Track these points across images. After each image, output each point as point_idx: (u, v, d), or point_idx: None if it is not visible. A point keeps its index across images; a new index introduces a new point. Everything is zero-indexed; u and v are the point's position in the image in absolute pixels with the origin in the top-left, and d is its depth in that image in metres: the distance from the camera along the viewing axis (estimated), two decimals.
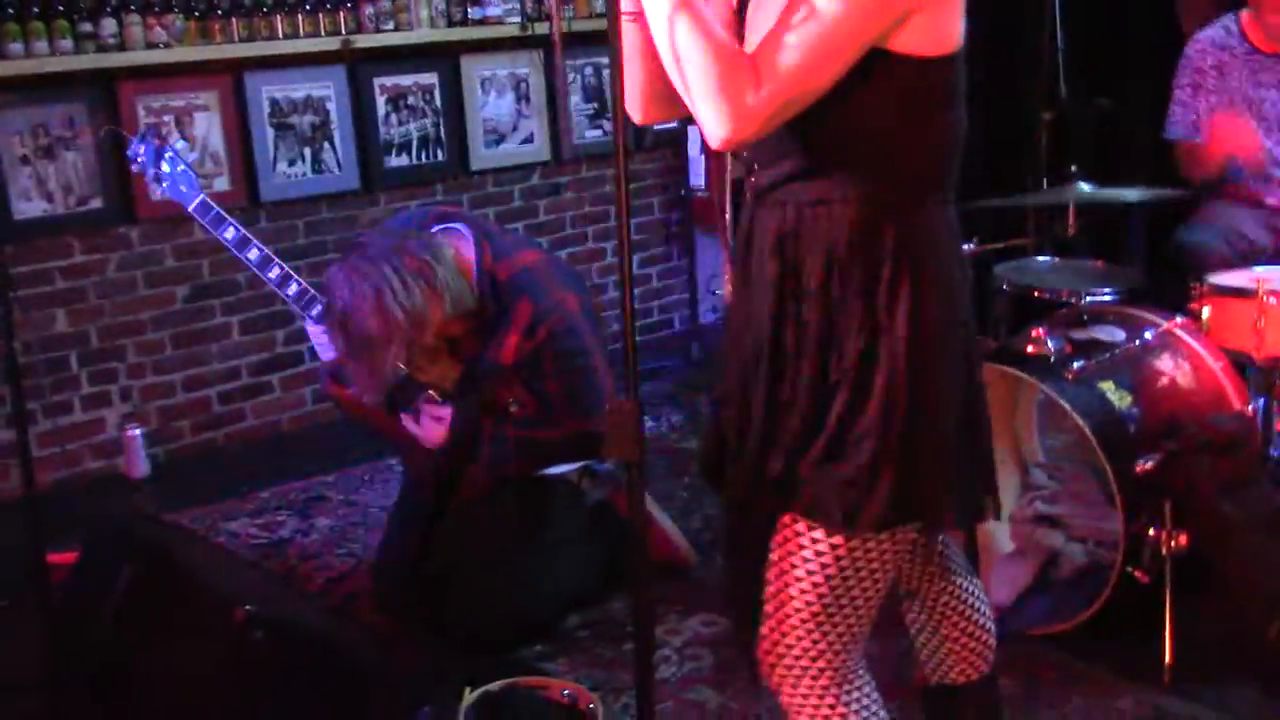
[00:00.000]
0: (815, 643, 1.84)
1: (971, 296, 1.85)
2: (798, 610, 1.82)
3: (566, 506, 3.20)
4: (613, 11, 1.64)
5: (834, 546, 1.78)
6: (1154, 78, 3.74)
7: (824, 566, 1.79)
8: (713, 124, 1.61)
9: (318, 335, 3.09)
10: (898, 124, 1.69)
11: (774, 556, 1.84)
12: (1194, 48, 3.59)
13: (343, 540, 3.72)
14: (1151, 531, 2.73)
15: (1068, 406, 2.77)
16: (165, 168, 3.15)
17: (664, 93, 1.76)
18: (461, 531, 3.14)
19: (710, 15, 1.63)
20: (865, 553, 1.79)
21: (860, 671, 1.90)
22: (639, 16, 1.72)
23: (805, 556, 1.80)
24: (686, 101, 1.64)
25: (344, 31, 4.53)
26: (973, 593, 2.13)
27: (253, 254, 3.13)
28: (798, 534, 1.80)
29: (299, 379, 4.73)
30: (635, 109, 1.87)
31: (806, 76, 1.60)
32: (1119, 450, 2.76)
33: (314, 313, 3.10)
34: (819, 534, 1.78)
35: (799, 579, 1.81)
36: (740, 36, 1.78)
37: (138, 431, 4.28)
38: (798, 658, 1.85)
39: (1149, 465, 2.74)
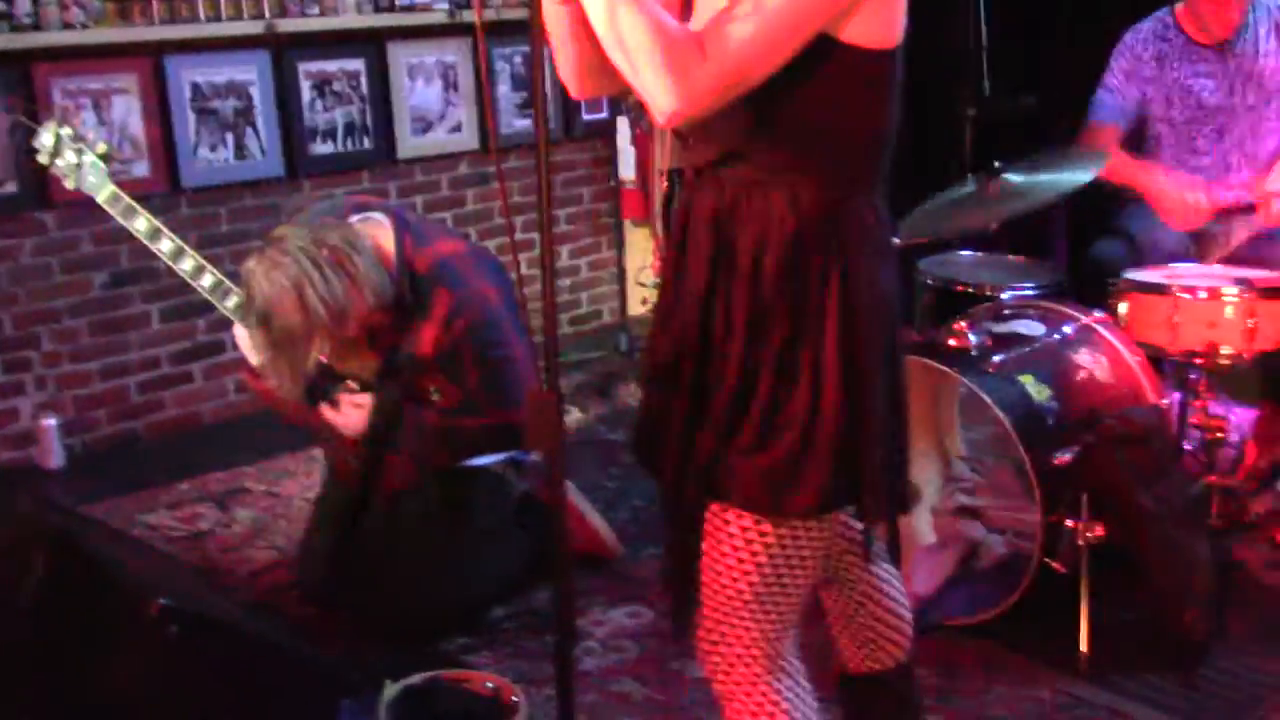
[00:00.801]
0: (748, 630, 1.85)
1: (898, 287, 1.87)
2: (730, 599, 1.84)
3: (491, 497, 3.18)
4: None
5: (763, 534, 1.79)
6: (1078, 75, 3.78)
7: (754, 554, 1.80)
8: (661, 100, 1.60)
9: (244, 340, 3.02)
10: (839, 113, 1.71)
11: (706, 545, 1.85)
12: (1134, 36, 3.63)
13: (264, 532, 3.66)
14: (1069, 522, 2.77)
15: (988, 399, 2.80)
16: (72, 158, 3.06)
17: (600, 67, 1.74)
18: (385, 523, 3.12)
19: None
20: (794, 540, 1.80)
21: (791, 659, 1.92)
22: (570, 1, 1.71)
23: (736, 545, 1.80)
24: (631, 80, 1.63)
25: (268, 15, 4.46)
26: (890, 580, 2.15)
27: (165, 246, 3.05)
28: (727, 522, 1.80)
29: (220, 368, 4.66)
30: (572, 84, 1.86)
31: (755, 56, 1.60)
32: (1038, 442, 2.79)
33: (229, 304, 3.04)
34: (748, 522, 1.79)
35: (730, 567, 1.82)
36: (688, 14, 1.78)
37: (52, 421, 4.19)
38: (730, 645, 1.86)
39: (1066, 457, 2.78)
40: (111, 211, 3.07)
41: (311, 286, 2.73)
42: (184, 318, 4.53)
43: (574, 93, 1.89)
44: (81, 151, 3.05)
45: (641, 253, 5.53)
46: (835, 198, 1.73)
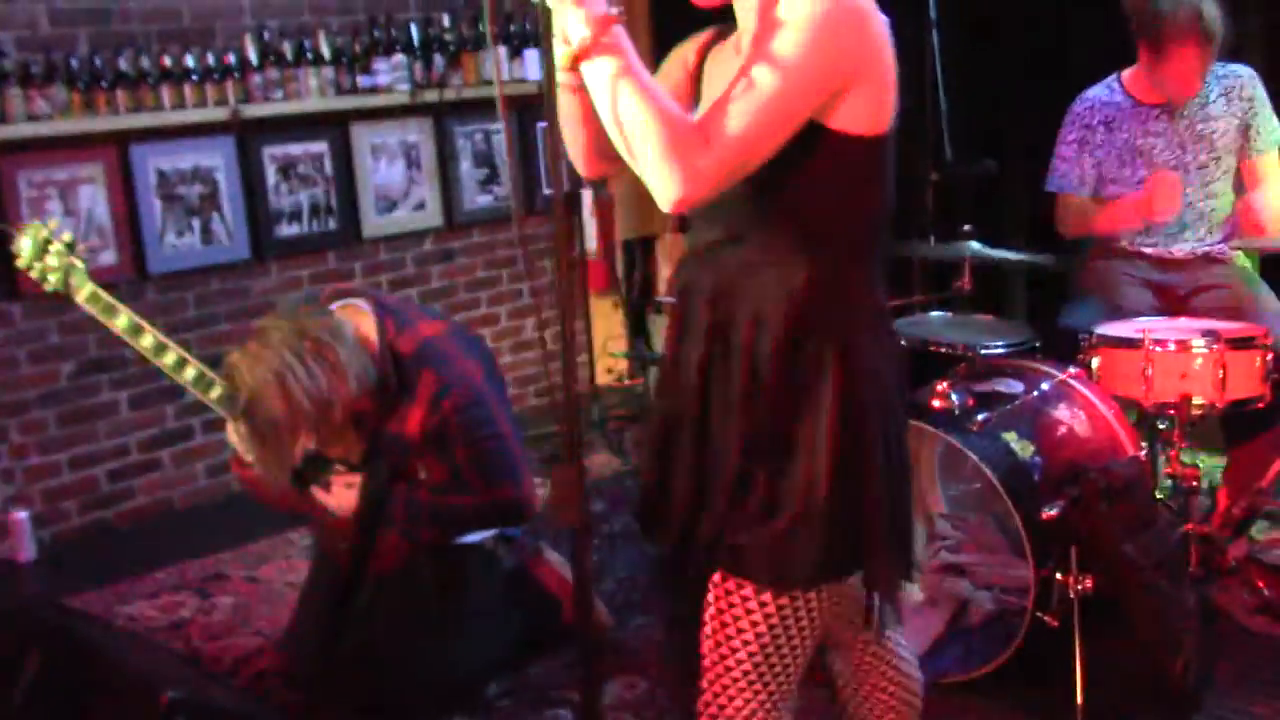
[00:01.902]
0: (748, 701, 1.87)
1: (896, 354, 1.91)
2: (730, 669, 1.85)
3: (482, 574, 3.18)
4: (549, 81, 1.68)
5: (764, 605, 1.82)
6: (1036, 139, 3.88)
7: (755, 625, 1.82)
8: (665, 187, 1.65)
9: (234, 433, 2.99)
10: (832, 197, 1.76)
11: (708, 615, 1.87)
12: (1081, 105, 3.73)
13: (247, 618, 3.62)
14: (1059, 576, 2.81)
15: (975, 458, 2.85)
16: (53, 261, 3.02)
17: (608, 150, 1.80)
18: (377, 603, 3.10)
19: (652, 81, 1.68)
20: (795, 610, 1.83)
21: None
22: (577, 89, 1.76)
23: (737, 615, 1.83)
24: (634, 165, 1.68)
25: (232, 101, 4.48)
26: (898, 643, 2.18)
27: (147, 341, 3.00)
28: (728, 593, 1.83)
29: (191, 454, 4.62)
30: (581, 165, 1.91)
31: (753, 141, 1.65)
32: (1025, 498, 2.84)
33: (213, 396, 2.99)
34: (749, 592, 1.81)
35: (730, 637, 1.84)
36: (696, 100, 1.83)
37: (24, 515, 4.13)
38: (731, 716, 1.87)
39: (1054, 512, 2.83)
40: (92, 311, 3.01)
41: (295, 378, 2.73)
42: (153, 404, 4.50)
43: (583, 173, 1.94)
44: (61, 254, 3.00)
45: (607, 323, 5.57)
46: (830, 276, 1.78)
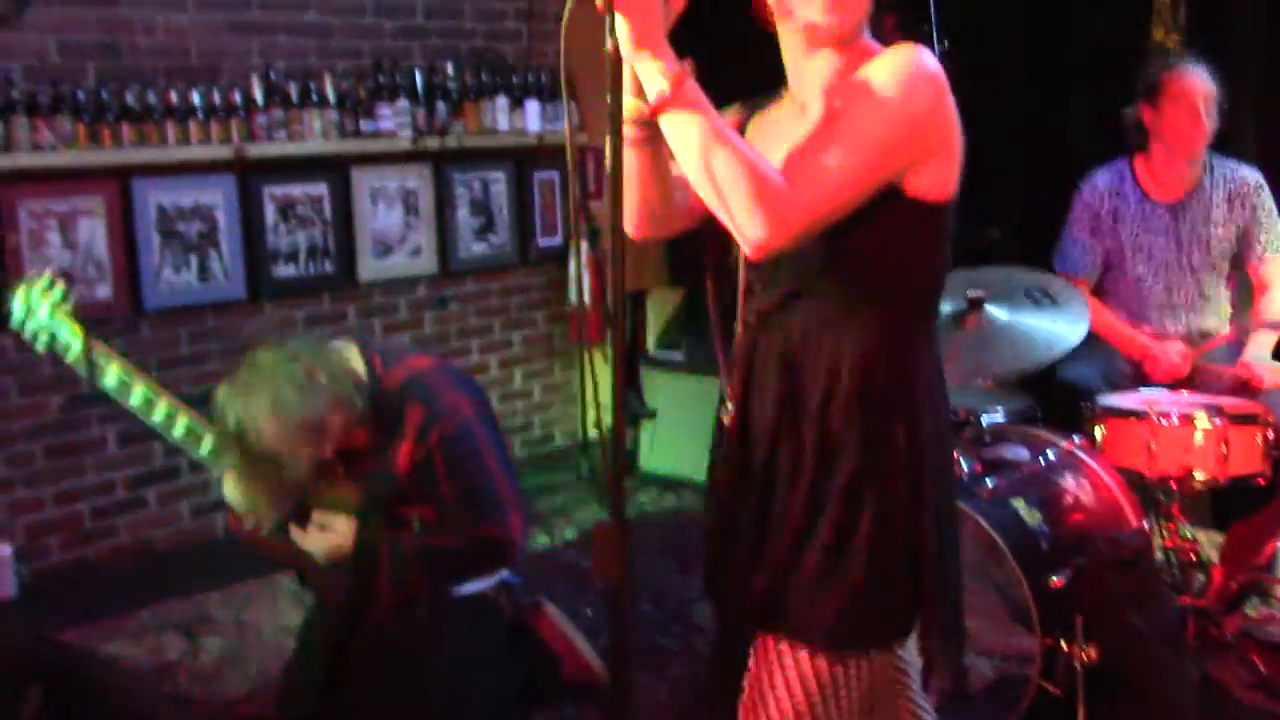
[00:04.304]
0: None
1: (950, 421, 1.93)
2: None
3: (481, 625, 3.14)
4: (615, 131, 1.69)
5: (816, 667, 1.81)
6: (1039, 210, 3.94)
7: (804, 684, 1.82)
8: (752, 230, 1.66)
9: (230, 487, 2.95)
10: (901, 260, 1.79)
11: (753, 674, 1.86)
12: (1091, 193, 3.78)
13: (236, 662, 3.57)
14: (1065, 645, 2.82)
15: (985, 524, 2.86)
16: (44, 320, 2.99)
17: (660, 214, 1.83)
18: (372, 655, 3.05)
19: (734, 131, 1.71)
20: (845, 673, 1.83)
21: None
22: (643, 142, 1.77)
23: (788, 677, 1.82)
24: (719, 212, 1.69)
25: (236, 140, 4.47)
26: (926, 709, 2.17)
27: (135, 400, 2.95)
28: (780, 653, 1.82)
29: (176, 493, 4.56)
30: (631, 226, 1.91)
31: (836, 196, 1.69)
32: (1032, 566, 2.86)
33: (203, 450, 2.96)
34: (803, 654, 1.81)
35: (779, 699, 1.83)
36: None
37: (7, 550, 4.06)
38: None
39: (1061, 581, 2.84)
40: (80, 370, 2.97)
41: (286, 402, 2.70)
42: (141, 441, 4.44)
43: (632, 233, 1.93)
44: (52, 313, 2.97)
45: (597, 376, 5.56)
46: (899, 338, 1.81)
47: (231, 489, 2.86)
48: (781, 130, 1.86)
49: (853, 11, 1.78)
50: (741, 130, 1.97)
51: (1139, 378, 3.64)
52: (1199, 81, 3.57)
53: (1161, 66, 3.67)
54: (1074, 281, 3.77)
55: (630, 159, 1.80)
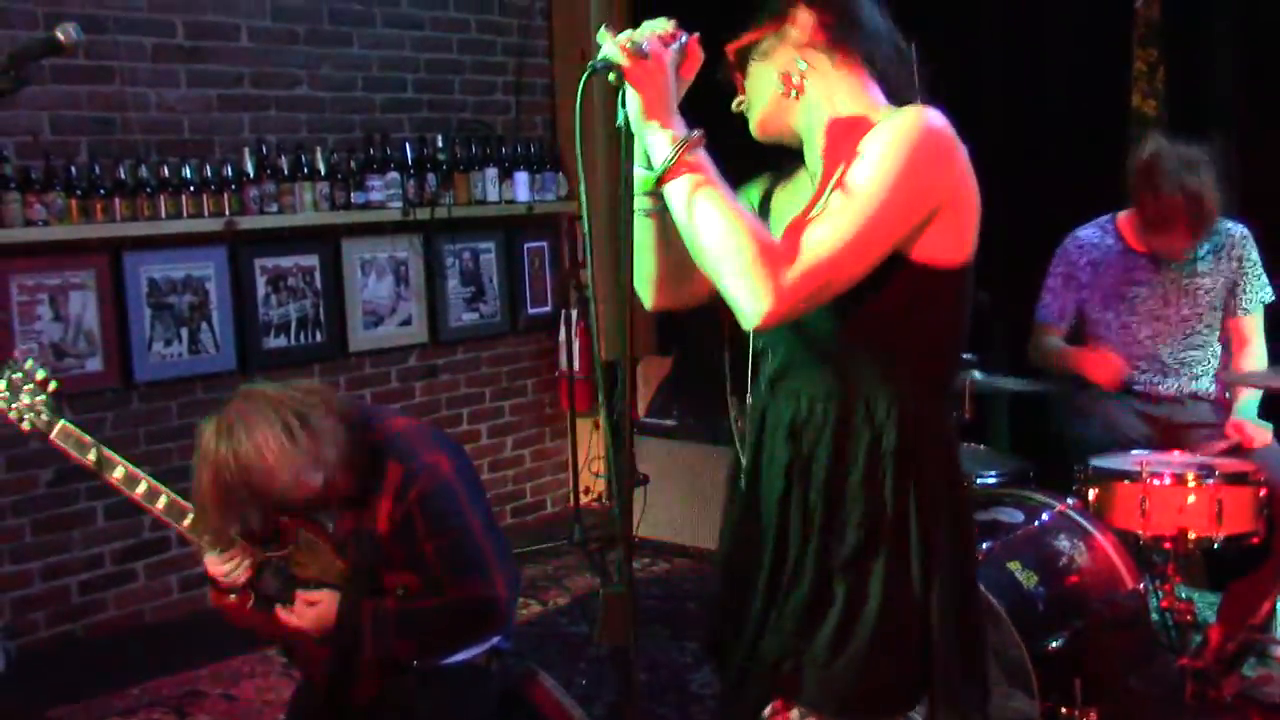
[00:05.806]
0: None
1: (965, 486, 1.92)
2: None
3: (474, 693, 3.10)
4: (628, 201, 1.70)
5: None
6: (1025, 273, 3.97)
7: None
8: (751, 301, 1.65)
9: (214, 563, 2.94)
10: (910, 327, 1.77)
11: None
12: (1073, 244, 3.82)
13: None
14: (1063, 709, 2.81)
15: (981, 587, 2.84)
16: (26, 399, 3.00)
17: (672, 284, 1.84)
18: None
19: (736, 198, 1.70)
20: None
21: None
22: (653, 213, 1.78)
23: None
24: (718, 282, 1.68)
25: (228, 212, 4.50)
26: None
27: (118, 473, 2.97)
28: None
29: (165, 566, 4.53)
30: (645, 295, 1.92)
31: (839, 263, 1.66)
32: (1030, 629, 2.85)
33: (185, 523, 2.93)
34: None
35: None
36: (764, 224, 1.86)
37: None
38: None
39: (1059, 644, 2.84)
40: (63, 447, 2.98)
41: (272, 439, 2.68)
42: (129, 514, 4.41)
43: (647, 303, 1.93)
44: (34, 392, 2.98)
45: (587, 444, 5.56)
46: (910, 406, 1.78)
47: (213, 563, 2.84)
48: (796, 200, 1.86)
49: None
50: (766, 199, 1.97)
51: (1137, 439, 3.63)
52: (1190, 228, 3.51)
53: (1160, 198, 3.51)
54: (1047, 330, 3.82)
55: (641, 229, 1.81)
